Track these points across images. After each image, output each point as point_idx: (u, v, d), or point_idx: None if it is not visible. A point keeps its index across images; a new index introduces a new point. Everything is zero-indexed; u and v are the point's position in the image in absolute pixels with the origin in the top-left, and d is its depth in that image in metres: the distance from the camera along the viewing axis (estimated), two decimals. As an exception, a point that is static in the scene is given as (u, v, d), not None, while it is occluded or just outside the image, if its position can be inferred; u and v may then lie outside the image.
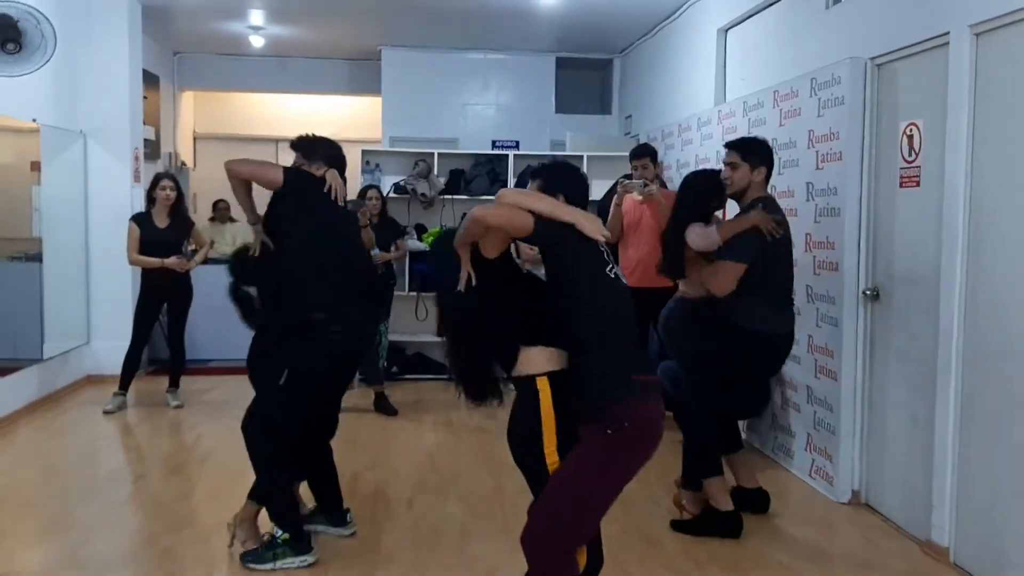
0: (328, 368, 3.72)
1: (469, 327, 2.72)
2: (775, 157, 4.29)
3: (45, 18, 5.45)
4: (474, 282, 2.65)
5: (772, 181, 5.13)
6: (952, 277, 3.75)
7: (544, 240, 2.62)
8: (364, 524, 4.13)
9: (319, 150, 3.76)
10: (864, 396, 4.54)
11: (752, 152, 4.10)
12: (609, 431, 2.54)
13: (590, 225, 2.63)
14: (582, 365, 2.61)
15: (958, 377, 3.74)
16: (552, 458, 2.63)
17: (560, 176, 2.85)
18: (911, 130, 4.13)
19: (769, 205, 4.04)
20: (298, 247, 3.65)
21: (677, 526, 4.13)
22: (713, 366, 4.13)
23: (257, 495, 3.72)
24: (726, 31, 6.49)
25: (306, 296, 3.64)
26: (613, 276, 2.65)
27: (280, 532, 3.61)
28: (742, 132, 5.63)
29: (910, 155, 4.14)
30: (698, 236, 4.05)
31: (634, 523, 4.17)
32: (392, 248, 6.64)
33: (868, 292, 4.48)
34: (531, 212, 2.59)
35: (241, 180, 3.62)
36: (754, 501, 4.34)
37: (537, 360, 2.67)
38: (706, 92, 6.71)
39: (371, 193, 6.62)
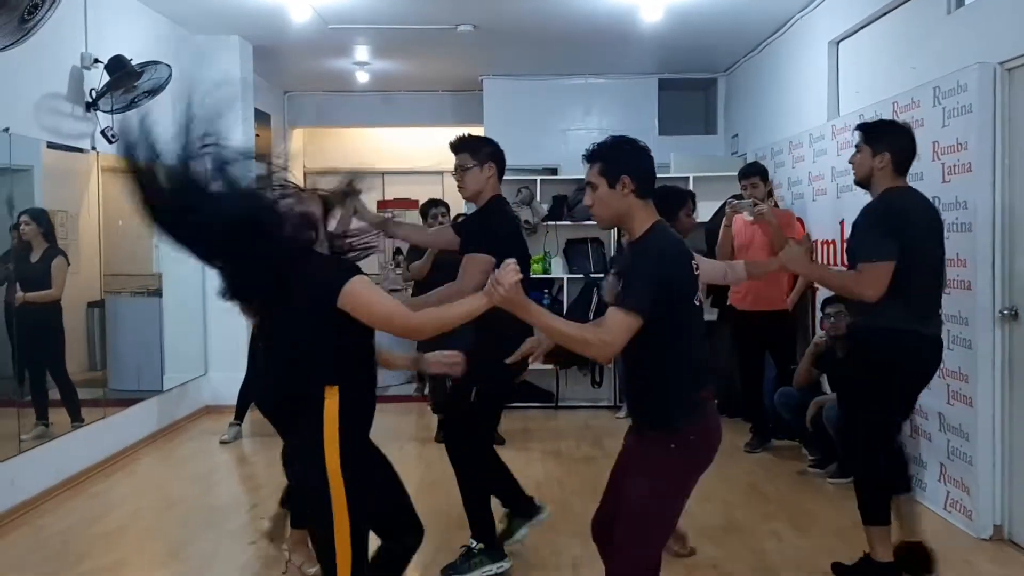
0: None
1: None
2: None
3: (164, 64, 5.72)
4: None
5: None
6: (1103, 294, 3.44)
7: None
8: (474, 557, 4.05)
9: (484, 150, 3.68)
10: (1004, 422, 4.23)
11: (874, 136, 3.60)
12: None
13: None
14: None
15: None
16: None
17: (620, 155, 2.48)
18: (1049, 137, 3.85)
19: (886, 197, 3.55)
20: None
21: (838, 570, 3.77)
22: (858, 384, 3.70)
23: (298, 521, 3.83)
24: (837, 43, 6.25)
25: None
26: None
27: (476, 543, 3.81)
28: (858, 147, 5.40)
29: (1049, 163, 3.86)
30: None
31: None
32: None
33: (1005, 312, 4.18)
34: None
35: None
36: (912, 557, 3.76)
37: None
38: (818, 107, 6.46)
39: (434, 211, 6.24)
